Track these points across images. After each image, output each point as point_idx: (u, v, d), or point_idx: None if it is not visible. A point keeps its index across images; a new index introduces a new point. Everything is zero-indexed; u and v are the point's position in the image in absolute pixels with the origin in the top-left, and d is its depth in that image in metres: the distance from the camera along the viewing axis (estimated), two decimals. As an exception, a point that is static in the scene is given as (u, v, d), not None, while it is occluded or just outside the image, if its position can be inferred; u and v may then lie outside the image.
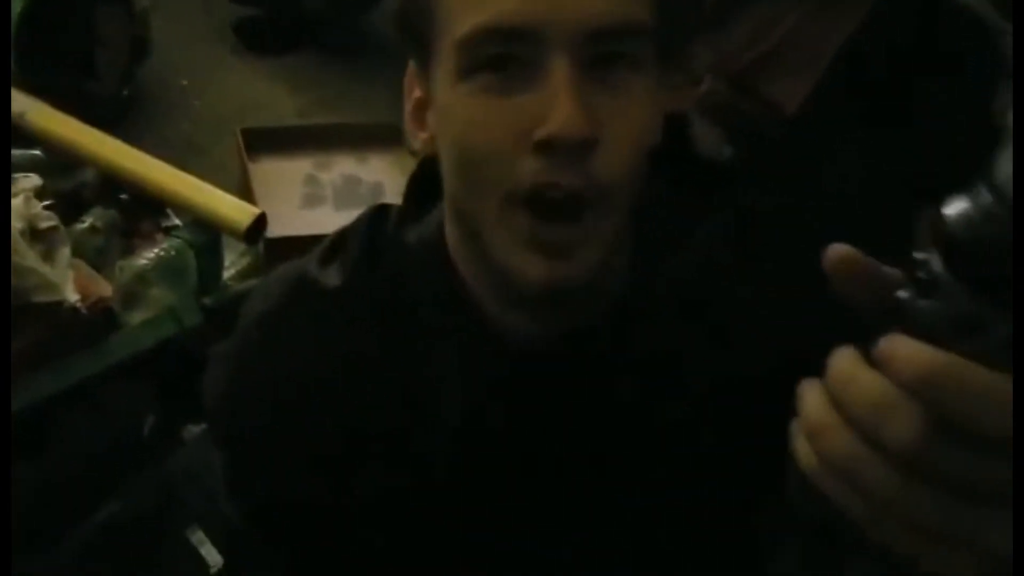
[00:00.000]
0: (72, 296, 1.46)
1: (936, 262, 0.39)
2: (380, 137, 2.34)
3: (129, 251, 1.71)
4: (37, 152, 1.78)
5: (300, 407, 0.80)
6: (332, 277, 0.81)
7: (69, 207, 1.68)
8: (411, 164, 2.43)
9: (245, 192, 2.11)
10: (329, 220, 2.12)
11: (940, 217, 0.38)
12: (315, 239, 0.87)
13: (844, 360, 0.40)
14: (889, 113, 2.07)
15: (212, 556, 1.41)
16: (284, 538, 0.84)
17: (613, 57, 0.65)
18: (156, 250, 1.70)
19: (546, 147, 0.63)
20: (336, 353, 0.80)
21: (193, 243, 1.72)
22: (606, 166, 0.65)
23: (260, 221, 1.73)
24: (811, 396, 0.41)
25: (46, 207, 1.54)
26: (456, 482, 0.77)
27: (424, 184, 0.80)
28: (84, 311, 1.48)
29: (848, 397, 0.39)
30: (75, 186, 1.76)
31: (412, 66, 0.74)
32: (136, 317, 1.60)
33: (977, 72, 2.11)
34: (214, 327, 1.62)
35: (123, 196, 1.77)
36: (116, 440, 1.51)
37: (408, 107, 0.75)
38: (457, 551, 0.79)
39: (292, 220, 2.06)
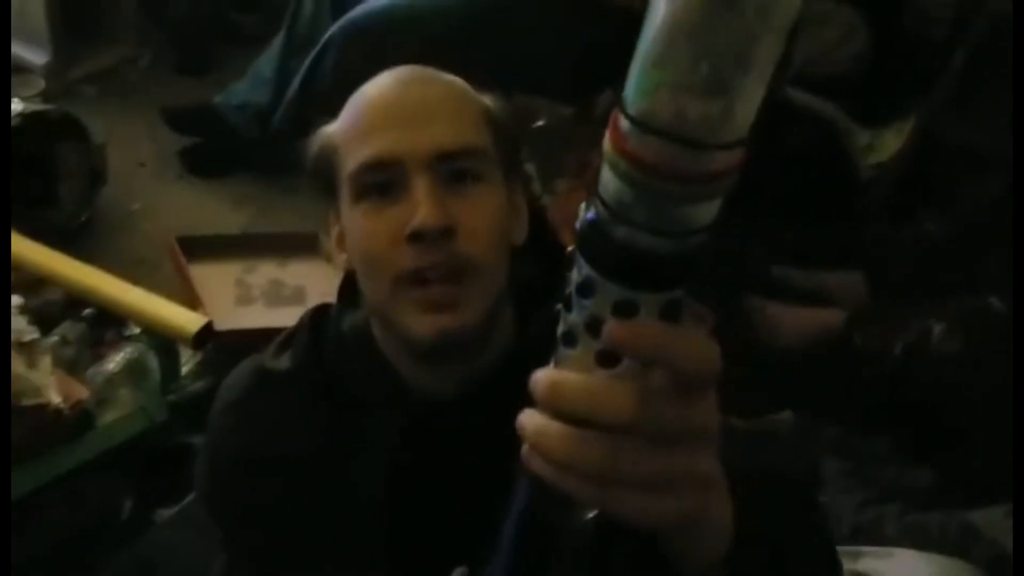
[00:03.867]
0: (55, 399, 1.63)
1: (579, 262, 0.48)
2: (299, 245, 2.52)
3: (97, 359, 1.86)
4: (8, 276, 1.96)
5: (265, 475, 0.95)
6: (284, 363, 0.98)
7: (41, 322, 1.82)
8: (327, 269, 2.79)
9: (189, 294, 2.26)
10: (262, 316, 2.29)
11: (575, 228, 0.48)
12: (253, 332, 1.03)
13: (546, 374, 0.50)
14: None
15: (189, 623, 1.57)
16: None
17: (462, 173, 0.86)
18: (121, 355, 1.86)
19: (416, 238, 0.82)
20: (291, 424, 0.95)
21: (153, 347, 1.90)
22: (464, 246, 0.83)
23: (207, 327, 1.90)
24: (527, 416, 0.50)
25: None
26: (389, 514, 0.92)
27: (350, 287, 0.96)
28: (66, 412, 1.64)
29: (563, 397, 0.48)
30: (44, 303, 1.91)
31: (331, 209, 0.94)
32: (109, 416, 1.76)
33: (823, 166, 2.44)
34: (179, 420, 1.81)
35: (88, 310, 1.93)
36: (97, 524, 1.66)
37: (332, 237, 0.95)
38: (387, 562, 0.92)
39: (230, 317, 2.20)
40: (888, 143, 2.30)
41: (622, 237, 0.46)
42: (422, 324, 0.84)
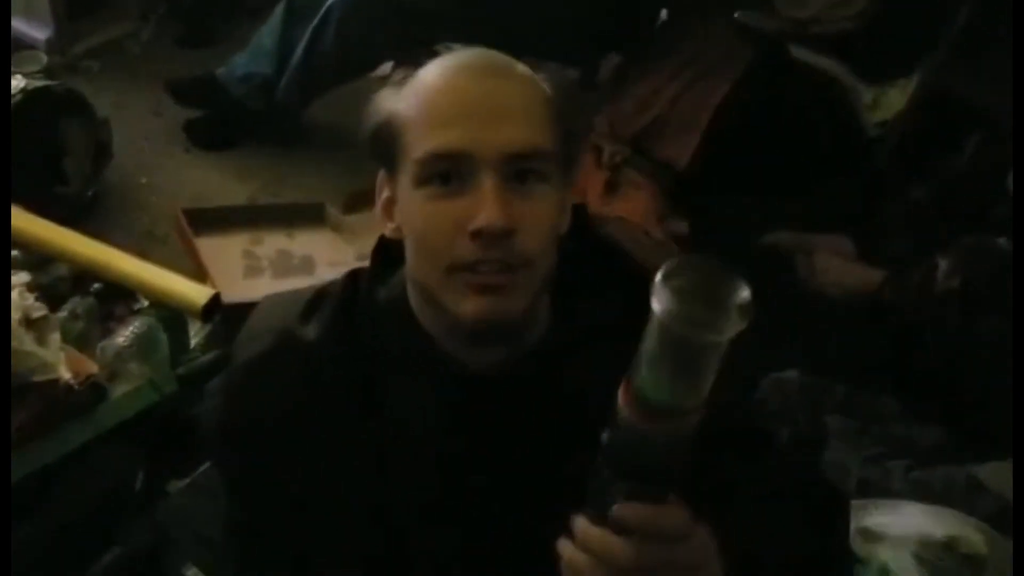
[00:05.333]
0: (65, 374, 1.64)
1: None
2: (306, 215, 2.53)
3: (107, 333, 1.87)
4: (15, 252, 1.94)
5: (282, 442, 0.96)
6: (312, 332, 0.98)
7: (50, 298, 1.82)
8: (335, 238, 2.78)
9: (197, 267, 2.27)
10: (270, 287, 2.21)
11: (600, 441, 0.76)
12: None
13: (583, 526, 0.77)
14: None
15: (205, 586, 1.60)
16: (269, 550, 1.01)
17: (526, 173, 0.87)
18: (130, 329, 1.86)
19: (477, 235, 0.85)
20: (313, 394, 0.96)
21: (162, 320, 1.90)
22: (523, 245, 0.86)
23: (215, 299, 1.91)
24: (564, 545, 0.78)
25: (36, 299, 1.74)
26: (426, 483, 0.94)
27: (384, 254, 1.00)
28: (76, 387, 1.65)
29: (587, 544, 0.76)
30: (53, 280, 1.91)
31: (382, 172, 0.95)
32: (120, 389, 1.76)
33: (828, 123, 2.43)
34: (189, 392, 1.83)
35: (96, 285, 1.94)
36: (111, 496, 1.68)
37: (379, 203, 0.97)
38: (425, 539, 0.95)
39: (238, 289, 2.21)
40: (892, 100, 2.29)
41: (631, 458, 0.74)
42: (471, 305, 0.87)
